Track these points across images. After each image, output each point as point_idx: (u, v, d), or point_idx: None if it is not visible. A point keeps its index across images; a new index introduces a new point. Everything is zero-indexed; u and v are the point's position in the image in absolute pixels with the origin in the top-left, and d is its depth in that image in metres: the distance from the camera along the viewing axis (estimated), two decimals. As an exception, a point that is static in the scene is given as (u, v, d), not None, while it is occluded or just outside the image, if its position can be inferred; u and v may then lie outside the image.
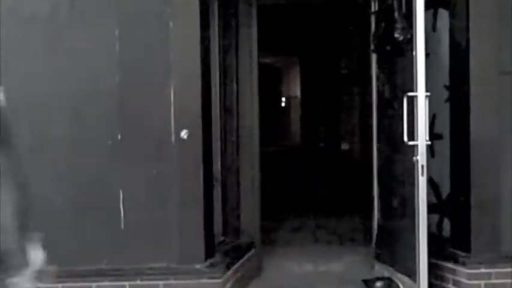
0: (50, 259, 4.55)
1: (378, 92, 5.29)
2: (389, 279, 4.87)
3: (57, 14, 4.44)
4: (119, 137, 4.45)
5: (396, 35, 4.56)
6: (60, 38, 4.45)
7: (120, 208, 4.45)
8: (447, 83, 4.80)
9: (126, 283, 4.41)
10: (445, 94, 4.83)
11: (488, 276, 4.46)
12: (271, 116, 18.61)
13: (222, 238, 5.18)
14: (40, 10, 4.44)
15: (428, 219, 4.29)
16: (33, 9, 4.44)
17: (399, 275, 4.71)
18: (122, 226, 4.46)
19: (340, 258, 5.88)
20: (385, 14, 4.88)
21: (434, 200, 4.92)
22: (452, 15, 4.69)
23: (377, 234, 5.33)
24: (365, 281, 5.04)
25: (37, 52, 4.46)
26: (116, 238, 4.46)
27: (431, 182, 4.80)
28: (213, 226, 4.80)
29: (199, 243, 4.47)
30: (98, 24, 4.46)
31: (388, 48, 4.86)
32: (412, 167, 4.31)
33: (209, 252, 4.57)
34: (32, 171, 4.40)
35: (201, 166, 4.47)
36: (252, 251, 5.27)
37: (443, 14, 4.86)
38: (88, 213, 4.46)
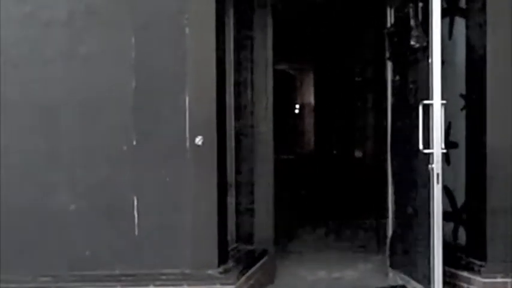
0: (65, 264, 4.60)
1: (393, 99, 5.27)
2: (403, 287, 4.85)
3: (74, 20, 4.48)
4: (134, 142, 4.47)
5: (412, 43, 4.54)
6: (77, 44, 4.48)
7: (134, 214, 4.47)
8: (463, 91, 4.77)
9: (140, 288, 4.43)
10: (461, 102, 4.80)
11: (504, 285, 4.42)
12: (285, 122, 18.58)
13: (235, 244, 5.18)
14: (57, 16, 4.48)
15: (443, 227, 4.26)
16: (50, 15, 4.48)
17: (413, 283, 4.68)
18: (136, 232, 4.47)
19: (354, 265, 5.86)
20: (401, 22, 4.88)
21: (449, 208, 4.89)
22: (469, 24, 4.67)
23: (391, 242, 5.30)
24: (379, 289, 5.04)
25: (53, 58, 4.49)
26: (129, 244, 4.47)
27: (446, 190, 4.77)
28: (227, 232, 4.81)
29: (212, 249, 4.48)
30: (115, 30, 4.49)
31: (403, 55, 4.85)
32: (427, 175, 4.29)
33: (222, 258, 4.58)
34: (47, 177, 4.47)
35: (215, 172, 4.48)
36: (266, 257, 5.26)
37: (460, 22, 4.85)
38: (102, 218, 4.48)
